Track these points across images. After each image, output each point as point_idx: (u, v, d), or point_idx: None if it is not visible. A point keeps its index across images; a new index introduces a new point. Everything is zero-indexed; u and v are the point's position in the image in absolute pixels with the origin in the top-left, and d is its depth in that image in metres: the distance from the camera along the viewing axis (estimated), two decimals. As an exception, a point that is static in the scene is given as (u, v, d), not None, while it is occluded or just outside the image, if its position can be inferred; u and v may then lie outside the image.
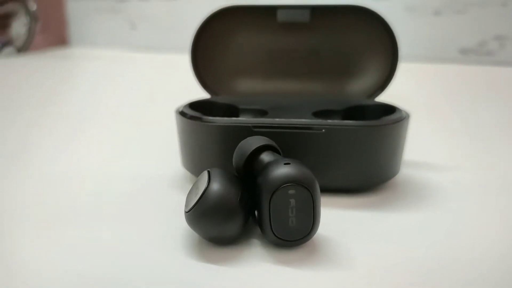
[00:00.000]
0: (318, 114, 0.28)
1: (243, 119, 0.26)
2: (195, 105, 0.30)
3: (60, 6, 1.12)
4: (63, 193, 0.27)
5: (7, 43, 0.98)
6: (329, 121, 0.25)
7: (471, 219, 0.24)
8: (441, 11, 0.83)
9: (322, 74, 0.34)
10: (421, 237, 0.22)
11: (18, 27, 0.98)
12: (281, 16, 0.33)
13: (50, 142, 0.38)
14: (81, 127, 0.43)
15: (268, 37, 0.34)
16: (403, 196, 0.27)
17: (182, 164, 0.29)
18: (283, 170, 0.19)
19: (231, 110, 0.31)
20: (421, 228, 0.23)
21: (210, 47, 0.34)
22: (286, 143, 0.25)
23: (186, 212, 0.20)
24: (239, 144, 0.22)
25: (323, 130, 0.25)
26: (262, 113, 0.29)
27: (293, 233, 0.20)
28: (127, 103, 0.54)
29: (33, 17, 0.98)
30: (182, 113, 0.27)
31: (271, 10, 0.33)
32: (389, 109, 0.29)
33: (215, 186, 0.20)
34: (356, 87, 0.33)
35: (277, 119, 0.26)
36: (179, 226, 0.22)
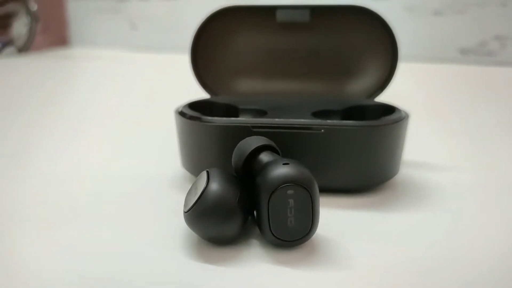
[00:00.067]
0: (317, 114, 0.28)
1: (242, 119, 0.26)
2: (194, 105, 0.30)
3: (61, 6, 1.12)
4: (63, 193, 0.28)
5: (8, 43, 0.98)
6: (328, 121, 0.25)
7: (470, 219, 0.24)
8: (441, 11, 0.83)
9: (322, 74, 0.34)
10: (420, 237, 0.22)
11: (19, 27, 0.98)
12: (280, 16, 0.33)
13: (51, 142, 0.38)
14: (81, 127, 0.43)
15: (268, 37, 0.34)
16: (403, 196, 0.27)
17: (182, 164, 0.29)
18: (281, 170, 0.19)
19: (231, 110, 0.31)
20: (421, 228, 0.23)
21: (209, 47, 0.34)
22: (286, 143, 0.25)
23: (185, 212, 0.20)
24: (238, 144, 0.22)
25: (322, 130, 0.25)
26: (262, 113, 0.29)
27: (292, 233, 0.20)
28: (127, 103, 0.54)
29: (33, 17, 0.98)
30: (181, 113, 0.27)
31: (271, 10, 0.33)
32: (389, 109, 0.29)
33: (214, 186, 0.20)
34: (355, 87, 0.33)
35: (276, 119, 0.26)
36: (178, 226, 0.22)
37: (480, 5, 0.80)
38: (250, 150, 0.22)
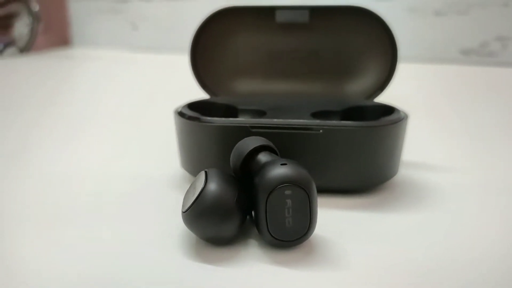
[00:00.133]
0: (316, 115, 0.28)
1: (241, 120, 0.26)
2: (194, 106, 0.30)
3: (62, 6, 1.13)
4: (63, 193, 0.28)
5: (9, 43, 0.98)
6: (327, 121, 0.25)
7: (470, 219, 0.24)
8: (442, 12, 0.83)
9: (321, 74, 0.34)
10: (419, 237, 0.22)
11: (21, 28, 0.99)
12: (280, 16, 0.33)
13: (51, 142, 0.38)
14: (82, 127, 0.43)
15: (267, 38, 0.34)
16: (402, 197, 0.27)
17: (181, 165, 0.29)
18: (279, 171, 0.19)
19: (230, 111, 0.31)
20: (420, 229, 0.23)
21: (209, 47, 0.34)
22: (284, 144, 0.25)
23: (183, 212, 0.20)
24: (237, 145, 0.23)
25: (321, 131, 0.25)
26: (261, 113, 0.29)
27: (289, 233, 0.20)
28: (127, 103, 0.54)
29: (35, 18, 0.98)
30: (180, 114, 0.28)
31: (270, 10, 0.33)
32: (388, 110, 0.29)
33: (212, 186, 0.20)
34: (355, 88, 0.34)
35: (275, 120, 0.26)
36: (177, 226, 0.22)
37: (482, 6, 0.80)
38: (248, 151, 0.22)
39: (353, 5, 0.32)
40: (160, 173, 0.30)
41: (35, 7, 0.98)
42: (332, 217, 0.24)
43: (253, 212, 0.21)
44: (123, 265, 0.20)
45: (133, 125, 0.44)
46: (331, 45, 0.34)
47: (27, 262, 0.20)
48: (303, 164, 0.21)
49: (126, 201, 0.26)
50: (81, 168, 0.32)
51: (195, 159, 0.27)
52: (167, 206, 0.25)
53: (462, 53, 0.83)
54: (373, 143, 0.25)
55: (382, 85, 0.33)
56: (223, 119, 0.26)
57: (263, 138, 0.23)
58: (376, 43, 0.33)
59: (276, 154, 0.23)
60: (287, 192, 0.19)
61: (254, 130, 0.25)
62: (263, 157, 0.21)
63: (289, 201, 0.19)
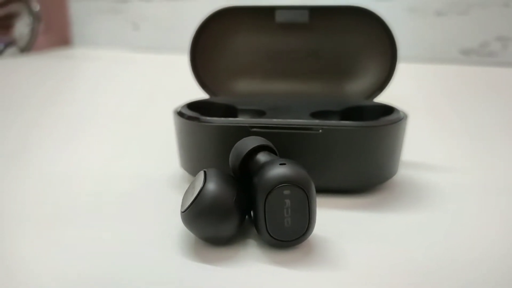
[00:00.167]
0: (316, 115, 0.28)
1: (240, 120, 0.26)
2: (193, 106, 0.30)
3: (63, 6, 1.13)
4: (63, 193, 0.28)
5: (10, 43, 0.98)
6: (326, 121, 0.25)
7: (470, 219, 0.24)
8: (442, 12, 0.82)
9: (321, 74, 0.34)
10: (419, 238, 0.22)
11: (21, 28, 0.99)
12: (279, 16, 0.33)
13: (51, 142, 0.38)
14: (82, 127, 0.43)
15: (267, 38, 0.34)
16: (401, 197, 0.27)
17: (180, 164, 0.29)
18: (278, 171, 0.19)
19: (230, 111, 0.31)
20: (420, 229, 0.23)
21: (209, 47, 0.34)
22: (284, 144, 0.25)
23: (182, 212, 0.20)
24: (236, 145, 0.23)
25: (320, 131, 0.25)
26: (260, 113, 0.29)
27: (288, 233, 0.20)
28: (128, 103, 0.54)
29: (36, 18, 0.98)
30: (180, 114, 0.28)
31: (270, 10, 0.33)
32: (387, 110, 0.29)
33: (211, 186, 0.20)
34: (355, 88, 0.34)
35: (274, 120, 0.26)
36: (177, 226, 0.22)
37: (482, 6, 0.80)
38: (247, 151, 0.22)
39: (353, 5, 0.32)
40: (160, 173, 0.30)
41: (36, 7, 0.98)
42: (332, 217, 0.24)
43: (252, 212, 0.21)
44: (123, 265, 0.20)
45: (133, 125, 0.44)
46: (331, 45, 0.34)
47: (27, 262, 0.20)
48: (302, 164, 0.21)
49: (126, 201, 0.26)
50: (81, 168, 0.32)
51: (195, 159, 0.27)
52: (167, 206, 0.25)
53: (462, 53, 0.83)
54: (373, 143, 0.25)
55: (381, 85, 0.33)
56: (222, 119, 0.26)
57: (262, 138, 0.23)
58: (376, 43, 0.33)
59: (275, 154, 0.23)
60: (286, 192, 0.19)
61: (253, 130, 0.25)
62: (262, 157, 0.21)
63: (288, 201, 0.19)
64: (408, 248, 0.21)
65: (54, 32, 1.10)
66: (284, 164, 0.20)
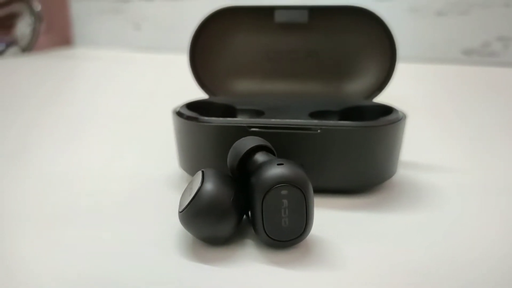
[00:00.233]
0: (315, 115, 0.28)
1: (238, 120, 0.26)
2: (192, 106, 0.30)
3: (65, 6, 1.13)
4: (63, 193, 0.28)
5: (12, 43, 0.99)
6: (325, 121, 0.25)
7: (470, 219, 0.24)
8: (444, 12, 0.82)
9: (320, 74, 0.34)
10: (418, 238, 0.22)
11: (23, 28, 0.99)
12: (279, 16, 0.33)
13: (51, 142, 0.39)
14: (82, 127, 0.43)
15: (266, 38, 0.34)
16: (400, 197, 0.27)
17: (179, 164, 0.29)
18: (276, 171, 0.19)
19: (229, 111, 0.31)
20: (419, 229, 0.23)
21: (208, 47, 0.34)
22: (282, 144, 0.25)
23: (179, 212, 0.20)
24: (234, 145, 0.23)
25: (319, 131, 0.25)
26: (259, 113, 0.29)
27: (286, 233, 0.20)
28: (129, 103, 0.54)
29: (37, 18, 0.98)
30: (179, 113, 0.28)
31: (269, 10, 0.33)
32: (386, 110, 0.29)
33: (208, 186, 0.20)
34: (354, 88, 0.34)
35: (272, 120, 0.26)
36: (175, 226, 0.22)
37: (483, 6, 0.79)
38: (245, 151, 0.22)
39: (352, 5, 0.32)
40: (159, 173, 0.30)
41: (37, 7, 0.98)
42: (330, 217, 0.24)
43: (249, 212, 0.21)
44: (122, 265, 0.20)
45: (133, 125, 0.44)
46: (330, 45, 0.34)
47: (27, 262, 0.20)
48: (301, 164, 0.21)
49: (126, 201, 0.26)
50: (81, 168, 0.32)
51: (193, 159, 0.27)
52: (167, 206, 0.25)
53: (463, 53, 0.82)
54: (371, 143, 0.25)
55: (381, 85, 0.33)
56: (221, 119, 0.26)
57: (260, 138, 0.23)
58: (375, 43, 0.33)
59: (274, 154, 0.23)
60: (283, 192, 0.19)
61: (251, 130, 0.25)
62: (260, 157, 0.21)
63: (285, 201, 0.19)
64: (407, 248, 0.21)
65: (56, 32, 1.10)
66: (281, 164, 0.20)
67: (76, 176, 0.31)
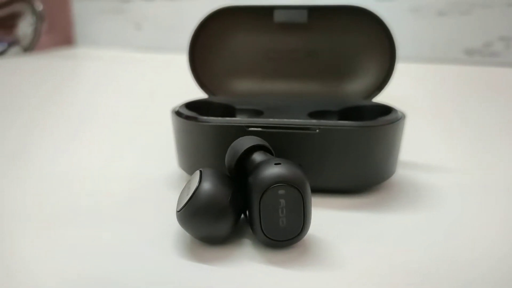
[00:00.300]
0: (314, 115, 0.28)
1: (237, 119, 0.26)
2: (191, 105, 0.30)
3: (66, 6, 1.13)
4: (63, 193, 0.28)
5: (13, 43, 0.99)
6: (324, 121, 0.25)
7: (469, 219, 0.24)
8: (445, 12, 0.82)
9: (320, 74, 0.34)
10: (418, 238, 0.22)
11: (25, 27, 0.99)
12: (278, 16, 0.33)
13: (51, 142, 0.39)
14: (83, 127, 0.43)
15: (266, 38, 0.34)
16: (399, 197, 0.27)
17: (178, 164, 0.29)
18: (273, 170, 0.19)
19: (228, 110, 0.31)
20: (418, 229, 0.23)
21: (207, 47, 0.34)
22: (281, 143, 0.25)
23: (177, 212, 0.20)
24: (232, 144, 0.23)
25: (318, 131, 0.25)
26: (259, 113, 0.29)
27: (283, 233, 0.20)
28: (129, 103, 0.54)
29: (39, 17, 0.99)
30: (178, 113, 0.28)
31: (269, 10, 0.33)
32: (385, 110, 0.29)
33: (206, 185, 0.20)
34: (353, 88, 0.33)
35: (271, 119, 0.26)
36: (174, 226, 0.22)
37: (485, 6, 0.79)
38: (243, 150, 0.22)
39: (352, 5, 0.32)
40: (160, 173, 0.30)
41: (39, 6, 0.98)
42: (329, 217, 0.24)
43: (247, 212, 0.21)
44: (122, 265, 0.20)
45: (133, 125, 0.44)
46: (330, 45, 0.34)
47: (27, 262, 0.20)
48: (299, 163, 0.21)
49: (125, 201, 0.26)
50: (81, 168, 0.32)
51: (192, 158, 0.27)
52: (166, 206, 0.25)
53: (465, 53, 0.82)
54: (370, 143, 0.25)
55: (380, 85, 0.33)
56: (220, 118, 0.26)
57: (258, 138, 0.23)
58: (375, 43, 0.32)
59: (272, 154, 0.23)
60: (281, 191, 0.19)
61: (250, 129, 0.25)
62: (257, 156, 0.21)
63: (282, 201, 0.19)
64: (407, 248, 0.21)
65: (57, 32, 1.11)
66: (279, 164, 0.20)
67: (76, 176, 0.31)
